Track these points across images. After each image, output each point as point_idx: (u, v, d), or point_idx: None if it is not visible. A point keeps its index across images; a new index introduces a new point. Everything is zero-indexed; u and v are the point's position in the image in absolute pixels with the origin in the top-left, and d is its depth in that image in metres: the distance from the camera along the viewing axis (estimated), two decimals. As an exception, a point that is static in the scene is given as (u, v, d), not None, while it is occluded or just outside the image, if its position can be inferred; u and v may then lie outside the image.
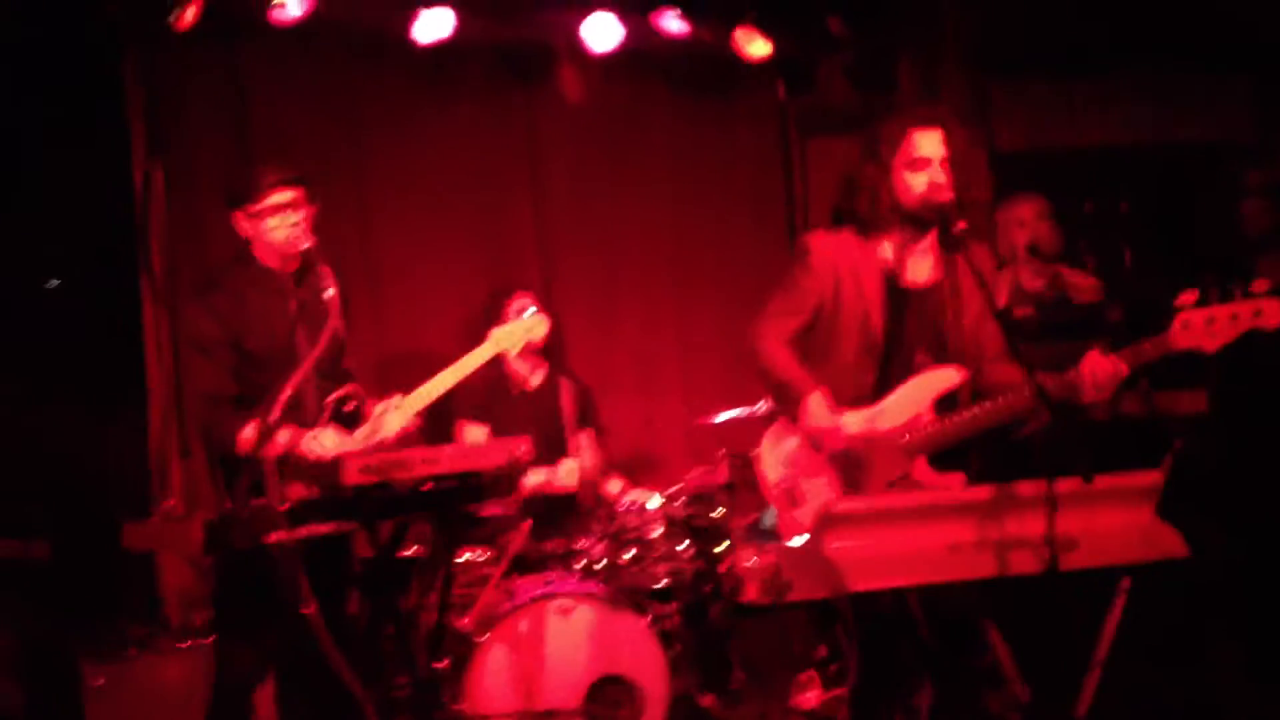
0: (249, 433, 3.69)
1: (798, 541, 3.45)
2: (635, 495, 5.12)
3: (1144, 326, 3.41)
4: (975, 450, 3.67)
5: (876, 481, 3.57)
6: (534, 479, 5.03)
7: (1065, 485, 2.96)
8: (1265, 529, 4.75)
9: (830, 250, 3.66)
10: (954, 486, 3.54)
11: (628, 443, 5.96)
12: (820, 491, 3.61)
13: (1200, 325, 3.28)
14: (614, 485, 5.36)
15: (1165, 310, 3.35)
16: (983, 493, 3.12)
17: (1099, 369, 3.33)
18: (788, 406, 3.64)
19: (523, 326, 4.39)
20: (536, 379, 5.40)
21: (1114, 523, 3.14)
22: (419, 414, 3.95)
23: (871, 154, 3.60)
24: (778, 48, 5.91)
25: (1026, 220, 5.26)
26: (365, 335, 5.66)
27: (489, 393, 5.24)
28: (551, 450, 5.25)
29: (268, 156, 4.78)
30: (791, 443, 3.67)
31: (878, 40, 6.28)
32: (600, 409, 5.73)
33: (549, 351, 5.35)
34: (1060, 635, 3.46)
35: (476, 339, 4.67)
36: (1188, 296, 3.30)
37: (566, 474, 5.16)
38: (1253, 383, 5.15)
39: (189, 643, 4.62)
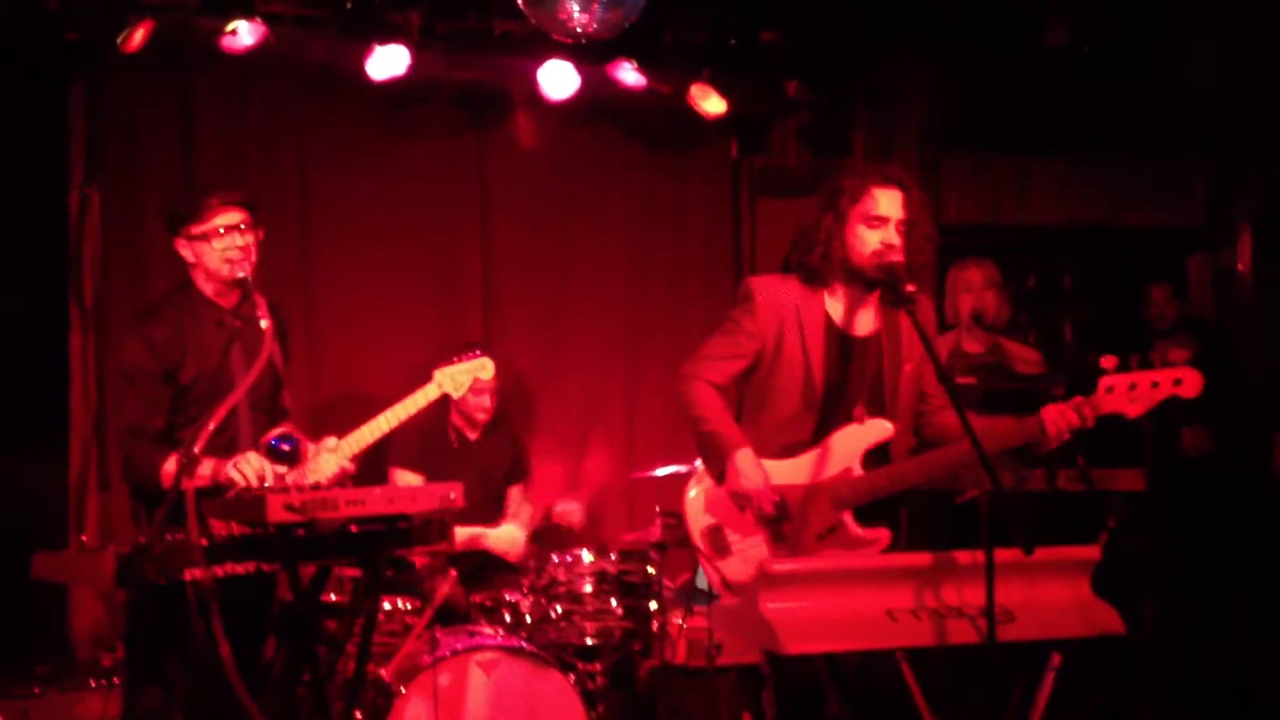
0: (171, 465, 3.59)
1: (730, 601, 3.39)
2: (562, 506, 5.04)
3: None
4: (904, 505, 3.65)
5: (805, 534, 3.53)
6: (464, 533, 4.93)
7: (1004, 556, 2.94)
8: (1199, 605, 4.77)
9: (775, 295, 3.63)
10: (881, 540, 3.52)
11: (566, 496, 5.86)
12: (748, 542, 3.57)
13: (1123, 391, 3.33)
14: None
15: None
16: (922, 559, 3.09)
17: (1058, 418, 3.35)
18: (713, 461, 3.60)
19: (470, 367, 4.29)
20: (474, 433, 5.30)
21: (1052, 596, 3.13)
22: (354, 458, 3.86)
23: (831, 205, 3.58)
24: (733, 106, 5.93)
25: (974, 286, 5.29)
26: (302, 374, 5.56)
27: (428, 442, 5.14)
28: (485, 503, 5.15)
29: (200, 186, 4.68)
30: (718, 491, 3.61)
31: (834, 105, 6.32)
32: (538, 460, 5.64)
33: (498, 415, 5.28)
34: (992, 709, 3.40)
35: (417, 382, 4.59)
36: (1108, 361, 3.31)
37: (510, 542, 5.06)
38: (1188, 462, 5.21)
39: (96, 682, 4.46)
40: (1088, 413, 3.34)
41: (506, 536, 5.09)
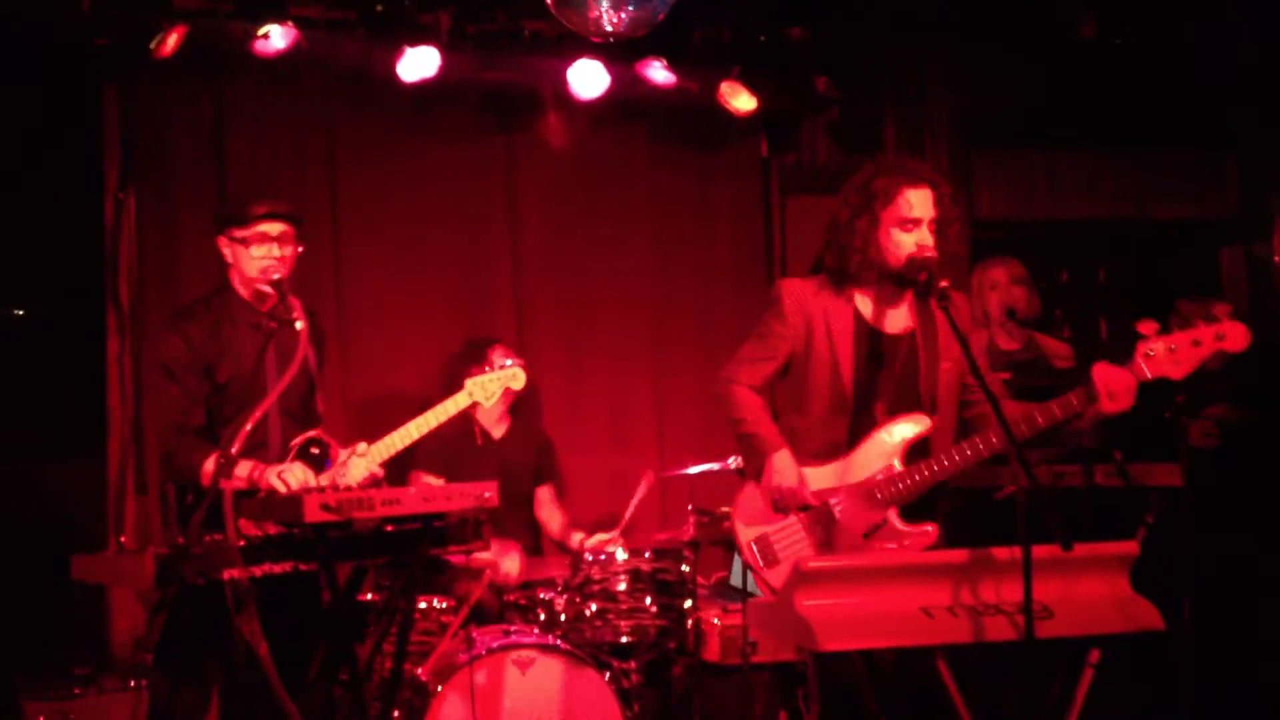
0: (211, 464, 3.62)
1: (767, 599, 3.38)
2: (598, 539, 5.03)
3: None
4: (946, 502, 3.62)
5: (851, 533, 3.51)
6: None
7: (1042, 552, 2.92)
8: (1236, 601, 4.71)
9: (803, 296, 3.64)
10: (929, 536, 3.49)
11: (598, 497, 5.87)
12: (795, 550, 3.55)
13: (1163, 354, 3.27)
14: (575, 538, 5.25)
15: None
16: (958, 556, 3.08)
17: (1112, 378, 3.28)
18: (752, 461, 3.61)
19: (501, 377, 4.39)
20: (500, 430, 5.31)
21: (1090, 592, 3.10)
22: (384, 463, 3.91)
23: (865, 209, 3.56)
24: (763, 103, 5.92)
25: (1000, 283, 5.25)
26: (334, 374, 5.58)
27: (452, 442, 5.14)
28: (512, 503, 5.15)
29: (247, 191, 4.72)
30: (765, 500, 3.60)
31: (863, 102, 6.31)
32: (569, 462, 5.63)
33: (516, 403, 5.29)
34: (1031, 705, 3.38)
35: (446, 385, 4.61)
36: (1147, 327, 3.26)
37: (507, 565, 4.97)
38: (1225, 456, 5.15)
39: (134, 682, 4.50)
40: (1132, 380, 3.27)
41: (507, 563, 4.99)
